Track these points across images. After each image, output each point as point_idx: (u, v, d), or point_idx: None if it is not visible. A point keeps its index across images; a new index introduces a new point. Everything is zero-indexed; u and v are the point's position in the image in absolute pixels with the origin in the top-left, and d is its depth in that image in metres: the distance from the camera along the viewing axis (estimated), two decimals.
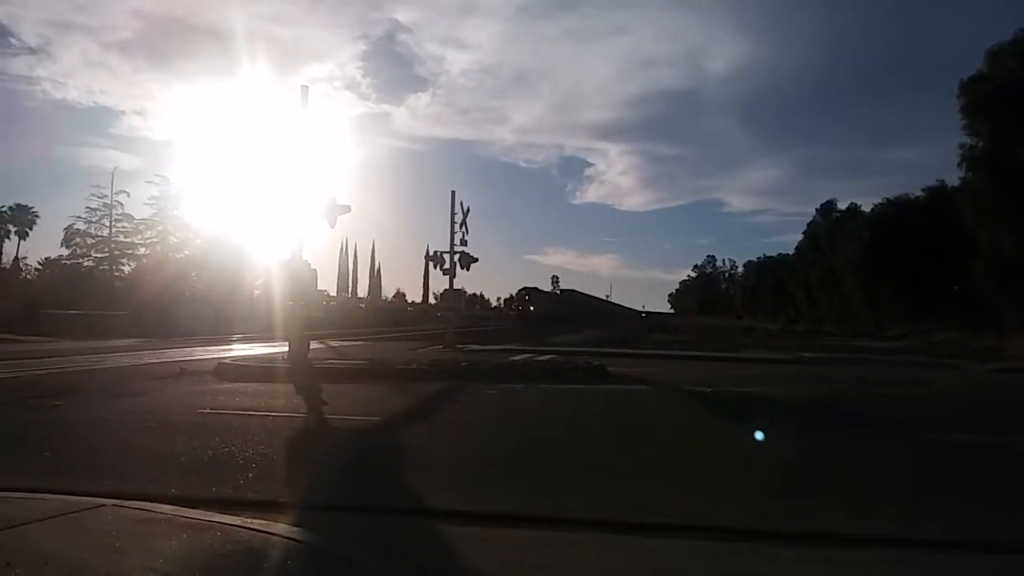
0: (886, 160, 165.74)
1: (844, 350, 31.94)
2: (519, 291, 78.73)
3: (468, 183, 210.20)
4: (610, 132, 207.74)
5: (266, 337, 28.29)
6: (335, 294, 77.82)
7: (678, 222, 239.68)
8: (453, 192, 28.39)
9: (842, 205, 72.90)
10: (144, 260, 52.40)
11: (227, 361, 17.10)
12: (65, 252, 53.53)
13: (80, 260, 52.96)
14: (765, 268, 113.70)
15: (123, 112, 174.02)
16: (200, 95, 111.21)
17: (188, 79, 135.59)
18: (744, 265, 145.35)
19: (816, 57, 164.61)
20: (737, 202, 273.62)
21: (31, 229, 64.71)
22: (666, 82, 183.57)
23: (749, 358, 24.82)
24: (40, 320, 35.54)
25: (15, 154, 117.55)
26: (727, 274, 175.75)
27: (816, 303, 75.07)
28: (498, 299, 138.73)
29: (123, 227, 53.56)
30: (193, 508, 5.00)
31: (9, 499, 5.09)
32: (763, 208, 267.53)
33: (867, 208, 63.14)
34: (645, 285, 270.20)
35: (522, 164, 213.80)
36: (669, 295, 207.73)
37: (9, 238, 63.86)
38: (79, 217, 52.65)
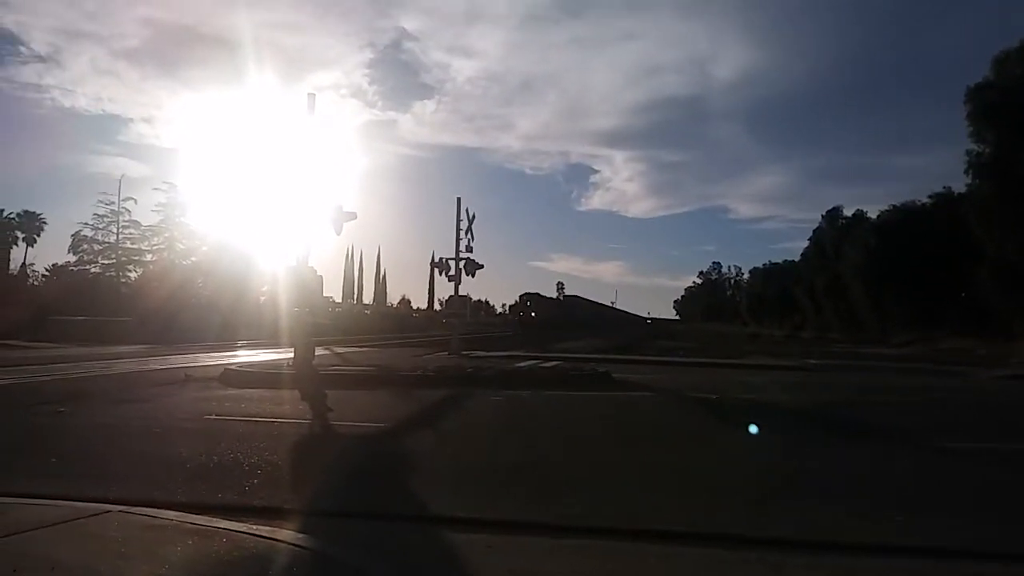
0: (892, 167, 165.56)
1: (850, 357, 31.80)
2: (520, 297, 78.49)
3: (474, 190, 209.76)
4: (616, 139, 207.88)
5: (272, 343, 28.32)
6: (340, 300, 78.13)
7: (684, 229, 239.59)
8: (459, 199, 28.45)
9: (848, 212, 72.91)
10: (151, 267, 52.57)
11: (233, 367, 17.13)
12: (72, 258, 53.75)
13: (87, 267, 53.13)
14: (771, 275, 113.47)
15: (131, 120, 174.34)
16: (208, 103, 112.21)
17: (196, 87, 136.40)
18: (750, 272, 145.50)
19: (822, 64, 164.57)
20: (743, 209, 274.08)
21: (39, 235, 64.89)
22: (672, 89, 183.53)
23: (755, 365, 24.74)
24: (47, 326, 35.64)
25: (24, 161, 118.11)
26: (733, 281, 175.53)
27: (822, 310, 74.86)
28: (503, 306, 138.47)
29: (130, 234, 53.77)
30: (199, 514, 5.01)
31: (16, 505, 5.11)
32: (769, 215, 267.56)
33: (873, 215, 63.16)
34: (651, 292, 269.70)
35: (528, 171, 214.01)
36: (675, 302, 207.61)
37: (17, 244, 64.00)
38: (86, 224, 52.84)
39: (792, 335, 73.19)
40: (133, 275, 53.41)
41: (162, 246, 54.03)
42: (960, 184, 43.36)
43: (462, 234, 28.03)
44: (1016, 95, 35.79)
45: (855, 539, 5.13)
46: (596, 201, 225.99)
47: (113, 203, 52.13)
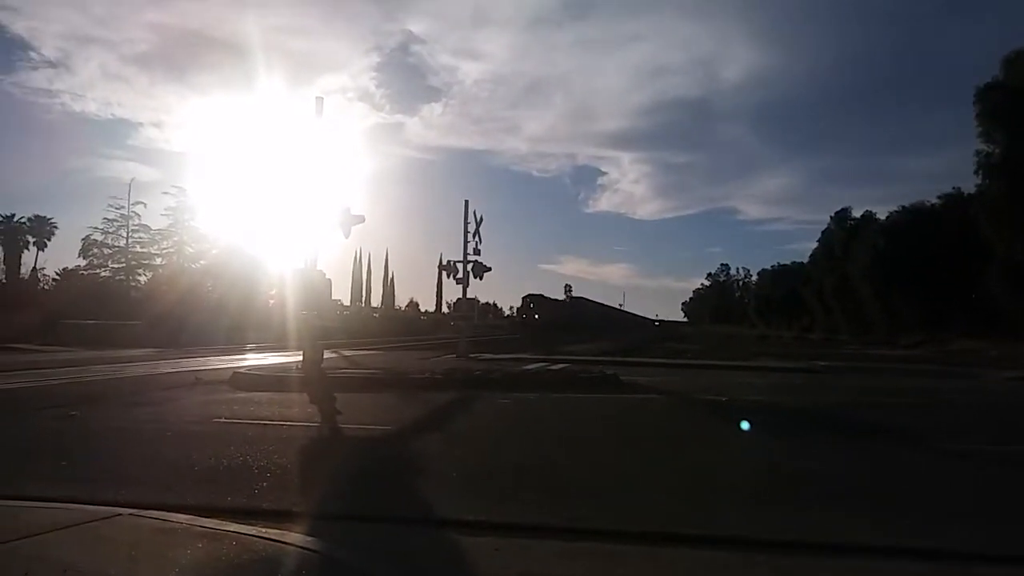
0: (901, 168, 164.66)
1: (859, 359, 31.67)
2: (524, 299, 77.99)
3: (481, 192, 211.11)
4: (623, 141, 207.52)
5: (280, 346, 28.40)
6: (349, 303, 78.11)
7: (691, 230, 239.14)
8: (466, 201, 28.46)
9: (857, 213, 72.73)
10: (160, 270, 52.96)
11: (242, 370, 17.19)
12: (83, 263, 54.21)
13: (97, 270, 53.55)
14: (779, 276, 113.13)
15: (140, 124, 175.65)
16: (216, 107, 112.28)
17: (204, 91, 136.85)
18: (758, 273, 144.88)
19: (829, 64, 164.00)
20: (751, 210, 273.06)
21: (49, 240, 65.33)
22: (679, 90, 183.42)
23: (763, 367, 24.66)
24: (57, 330, 35.89)
25: (34, 166, 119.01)
26: (741, 282, 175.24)
27: (831, 311, 74.59)
28: (511, 308, 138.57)
29: (140, 238, 54.21)
30: (209, 517, 5.03)
31: (28, 508, 5.15)
32: (777, 216, 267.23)
33: (882, 216, 62.98)
34: (659, 294, 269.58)
35: (535, 173, 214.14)
36: (683, 304, 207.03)
37: (28, 249, 64.47)
38: (96, 228, 53.32)
39: (801, 337, 72.95)
40: (143, 279, 53.88)
41: (171, 250, 54.50)
42: (969, 185, 43.23)
43: (470, 237, 28.07)
44: None
45: (863, 541, 5.11)
46: (603, 203, 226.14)
47: (123, 207, 52.65)
